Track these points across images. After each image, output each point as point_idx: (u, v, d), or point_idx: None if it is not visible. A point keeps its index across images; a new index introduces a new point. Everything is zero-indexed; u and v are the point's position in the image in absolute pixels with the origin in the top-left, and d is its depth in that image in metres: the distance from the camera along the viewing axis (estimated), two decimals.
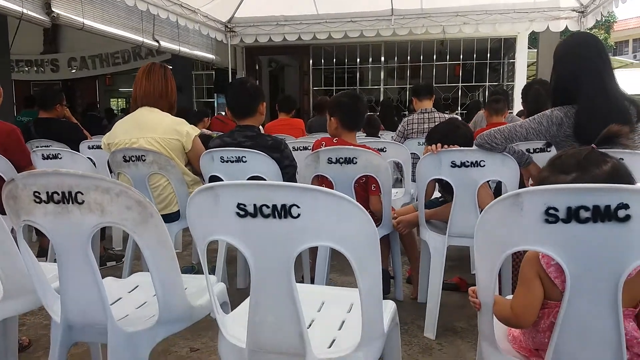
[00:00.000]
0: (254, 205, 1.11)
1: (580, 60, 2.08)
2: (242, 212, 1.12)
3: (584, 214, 1.01)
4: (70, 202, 1.28)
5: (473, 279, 2.85)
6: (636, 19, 31.40)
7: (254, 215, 1.12)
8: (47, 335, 2.32)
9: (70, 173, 1.28)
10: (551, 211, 1.03)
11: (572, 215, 1.02)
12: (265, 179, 2.43)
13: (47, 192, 1.28)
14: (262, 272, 1.16)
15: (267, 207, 1.10)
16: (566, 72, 2.12)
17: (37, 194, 1.29)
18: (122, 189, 1.26)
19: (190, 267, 3.34)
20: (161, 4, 5.87)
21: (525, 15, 6.83)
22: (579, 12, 6.57)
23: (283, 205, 1.09)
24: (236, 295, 1.53)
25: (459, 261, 3.29)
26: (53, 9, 5.24)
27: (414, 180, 3.33)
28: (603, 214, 1.00)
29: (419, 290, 2.68)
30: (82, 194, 1.26)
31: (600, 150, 1.16)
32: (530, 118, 2.16)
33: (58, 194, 1.28)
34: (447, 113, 5.56)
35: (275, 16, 7.50)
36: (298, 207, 1.09)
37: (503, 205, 1.09)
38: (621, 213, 0.99)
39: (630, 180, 1.10)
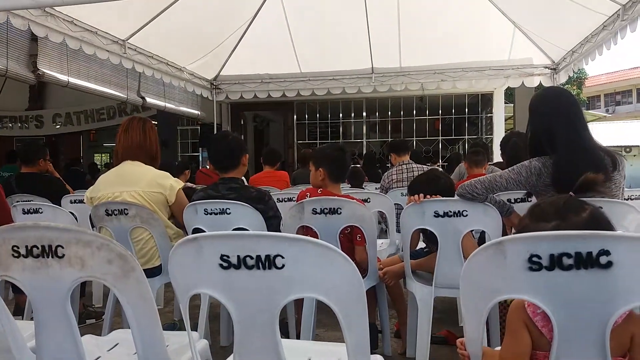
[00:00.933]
0: (238, 256, 1.10)
1: (554, 113, 2.15)
2: (225, 264, 1.11)
3: (566, 261, 1.02)
4: (50, 256, 1.25)
5: (461, 332, 2.80)
6: (606, 75, 32.97)
7: (237, 267, 1.10)
8: None
9: (50, 226, 1.26)
10: (534, 259, 1.04)
11: (555, 262, 1.03)
12: (249, 231, 2.41)
13: (27, 246, 1.25)
14: (246, 326, 1.14)
15: (251, 257, 1.09)
16: (541, 125, 2.19)
17: (15, 248, 1.26)
18: (103, 242, 1.24)
19: (172, 324, 3.24)
20: (147, 62, 5.99)
21: (501, 72, 7.11)
22: (551, 69, 6.87)
23: (267, 256, 1.08)
24: (219, 353, 1.48)
25: (447, 314, 3.25)
26: (38, 67, 5.31)
27: (398, 230, 3.35)
28: (585, 261, 1.01)
29: (407, 345, 2.62)
30: (63, 247, 1.24)
31: (578, 198, 1.19)
32: (509, 169, 2.21)
33: (37, 248, 1.25)
34: (428, 165, 5.67)
35: (260, 74, 7.70)
36: (282, 257, 1.08)
37: (486, 253, 1.09)
38: (603, 259, 1.00)
39: (609, 226, 1.13)
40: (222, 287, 1.13)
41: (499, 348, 1.23)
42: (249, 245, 1.09)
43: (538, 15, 5.87)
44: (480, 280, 1.13)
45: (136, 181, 2.62)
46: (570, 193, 1.15)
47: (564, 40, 6.00)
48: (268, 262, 1.09)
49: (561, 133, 2.10)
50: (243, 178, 2.85)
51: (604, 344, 1.02)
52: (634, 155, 13.08)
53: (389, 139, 10.20)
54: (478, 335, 1.17)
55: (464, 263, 1.15)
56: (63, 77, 5.85)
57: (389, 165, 9.74)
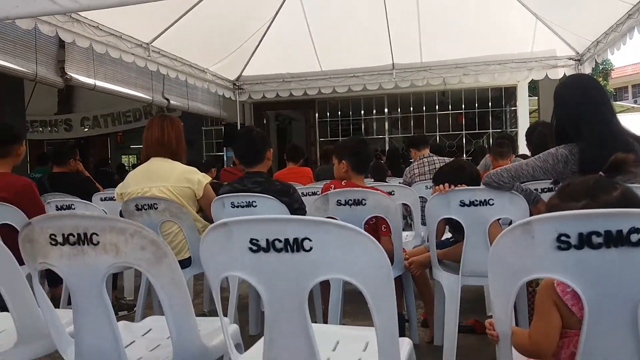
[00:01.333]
0: (267, 239, 1.12)
1: (579, 98, 2.13)
2: (254, 247, 1.14)
3: (596, 240, 1.02)
4: (86, 243, 1.30)
5: None
6: (633, 66, 32.05)
7: (266, 250, 1.13)
8: None
9: (85, 215, 1.32)
10: (563, 238, 1.04)
11: (584, 241, 1.02)
12: None
13: (63, 234, 1.30)
14: (276, 307, 1.16)
15: (280, 241, 1.12)
16: (567, 111, 2.16)
17: (53, 236, 1.31)
18: (136, 229, 1.28)
19: (202, 315, 3.30)
20: (171, 64, 6.09)
21: (524, 65, 7.00)
22: (575, 60, 6.73)
23: (295, 239, 1.11)
24: (248, 341, 1.50)
25: (475, 303, 3.23)
26: (66, 71, 5.46)
27: (423, 223, 3.34)
28: (615, 239, 1.01)
29: (435, 333, 2.62)
30: (97, 235, 1.29)
31: (608, 178, 1.18)
32: (536, 156, 2.19)
33: (74, 236, 1.30)
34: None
35: (281, 74, 7.75)
36: (310, 240, 1.10)
37: (514, 234, 1.09)
38: (634, 237, 1.00)
39: None
40: (252, 269, 1.16)
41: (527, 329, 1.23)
42: (278, 228, 1.12)
43: (560, 6, 5.77)
44: (508, 260, 1.14)
45: (165, 177, 2.68)
46: (600, 173, 1.14)
47: (587, 30, 5.88)
48: (296, 245, 1.11)
49: (587, 118, 2.07)
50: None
51: (635, 320, 1.01)
52: None
53: (412, 135, 10.15)
54: (507, 315, 1.17)
55: (492, 244, 1.16)
56: (90, 81, 6.01)
57: (412, 160, 9.75)
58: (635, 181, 1.95)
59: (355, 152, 2.61)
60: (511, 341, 1.16)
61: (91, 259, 1.30)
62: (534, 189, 2.58)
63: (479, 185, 2.27)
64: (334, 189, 2.55)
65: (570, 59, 6.78)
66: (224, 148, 10.96)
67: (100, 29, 4.79)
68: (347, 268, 1.13)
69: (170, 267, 1.32)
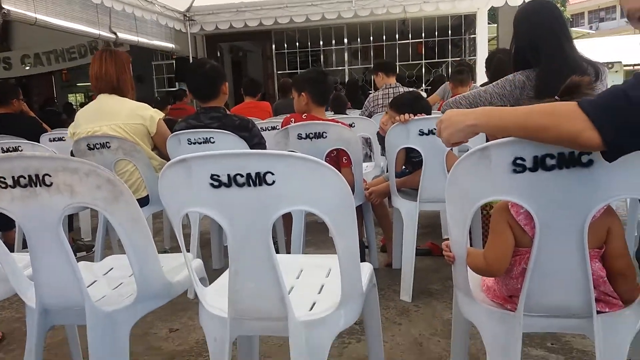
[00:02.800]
0: (228, 175, 1.10)
1: (537, 25, 2.12)
2: (216, 183, 1.12)
3: (549, 162, 1.05)
4: (38, 184, 1.25)
5: None
6: None
7: (228, 185, 1.11)
8: (20, 328, 2.28)
9: (36, 155, 1.26)
10: (518, 161, 1.07)
11: (539, 163, 1.06)
12: None
13: (13, 177, 1.24)
14: (240, 241, 1.16)
15: (241, 175, 1.10)
16: (525, 37, 2.16)
17: (2, 179, 1.25)
18: (90, 168, 1.24)
19: (164, 252, 3.31)
20: None
21: None
22: None
23: (257, 173, 1.09)
24: (212, 275, 1.51)
25: (430, 227, 3.36)
26: (3, 5, 5.02)
27: (382, 154, 3.37)
28: (568, 160, 1.04)
29: (394, 258, 2.73)
30: (50, 175, 1.24)
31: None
32: (493, 83, 2.21)
33: (24, 178, 1.24)
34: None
35: (234, 3, 7.39)
36: (272, 174, 1.09)
37: (472, 159, 1.12)
38: (584, 158, 1.04)
39: None
40: (214, 205, 1.15)
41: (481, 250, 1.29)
42: (239, 163, 1.10)
43: None
44: (466, 184, 1.17)
45: (115, 114, 2.57)
46: (556, 97, 1.15)
47: None
48: (258, 179, 1.10)
49: (544, 45, 2.08)
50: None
51: (582, 238, 1.07)
52: (616, 72, 13.10)
53: (372, 65, 10.04)
54: (463, 238, 1.21)
55: (451, 169, 1.18)
56: (30, 14, 5.56)
57: (372, 91, 9.69)
58: None
59: (316, 84, 2.56)
60: (467, 262, 1.21)
61: (45, 201, 1.25)
62: None
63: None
64: (295, 122, 2.52)
65: None
66: (176, 83, 10.55)
67: None
68: (310, 199, 1.13)
69: (128, 205, 1.29)
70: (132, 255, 1.32)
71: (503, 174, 1.08)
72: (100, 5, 5.69)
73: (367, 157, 4.19)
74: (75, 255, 1.34)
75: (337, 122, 2.50)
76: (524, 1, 6.89)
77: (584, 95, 1.09)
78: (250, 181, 1.10)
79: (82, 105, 12.59)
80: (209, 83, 2.56)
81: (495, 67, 3.19)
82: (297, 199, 1.14)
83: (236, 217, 1.15)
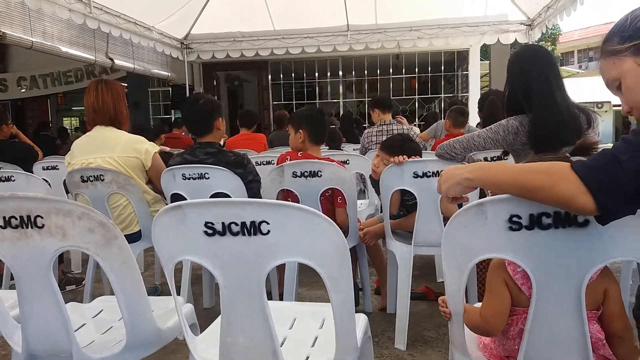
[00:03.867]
0: (222, 223, 1.09)
1: (531, 71, 2.16)
2: (210, 231, 1.11)
3: (545, 220, 1.05)
4: (30, 226, 1.23)
5: (439, 287, 2.90)
6: (579, 31, 33.13)
7: (222, 234, 1.10)
8: None
9: (28, 197, 1.24)
10: (514, 219, 1.07)
11: (535, 222, 1.06)
12: (229, 196, 2.41)
13: (4, 217, 1.23)
14: (233, 292, 1.15)
15: (236, 224, 1.09)
16: (519, 83, 2.20)
17: None
18: (84, 211, 1.22)
19: (154, 288, 3.26)
20: (114, 21, 5.74)
21: (477, 29, 7.07)
22: (526, 25, 6.86)
23: (252, 222, 1.08)
24: (203, 314, 1.49)
25: (424, 269, 3.34)
26: (0, 28, 5.06)
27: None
28: (564, 220, 1.05)
29: (388, 301, 2.70)
30: (42, 217, 1.22)
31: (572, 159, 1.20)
32: (487, 128, 2.23)
33: (16, 219, 1.23)
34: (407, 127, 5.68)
35: (232, 32, 7.48)
36: (267, 223, 1.08)
37: (468, 214, 1.12)
38: (580, 218, 1.04)
39: None
40: (207, 253, 1.13)
41: (478, 304, 1.27)
42: (234, 211, 1.09)
43: None
44: (461, 240, 1.16)
45: (111, 146, 2.56)
46: (567, 154, 1.17)
47: None
48: (253, 228, 1.09)
49: (537, 91, 2.12)
50: (221, 142, 2.80)
51: (580, 299, 1.06)
52: (605, 111, 13.34)
53: (366, 99, 10.17)
54: (459, 293, 1.20)
55: (443, 222, 1.18)
56: (27, 38, 5.60)
57: (366, 125, 9.78)
58: None
59: (313, 123, 2.57)
60: (463, 319, 1.19)
61: (36, 243, 1.23)
62: (484, 158, 2.65)
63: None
64: (290, 160, 2.52)
65: (522, 23, 6.90)
66: (172, 110, 10.60)
67: None
68: (306, 251, 1.12)
69: (121, 249, 1.27)
70: (122, 300, 1.29)
71: (499, 230, 1.08)
72: (97, 30, 5.73)
73: (362, 193, 4.20)
74: (65, 288, 1.31)
75: (333, 161, 2.50)
76: (515, 40, 7.07)
77: (595, 151, 1.11)
78: (245, 230, 1.09)
79: (76, 129, 12.62)
80: (203, 118, 2.56)
81: (488, 109, 3.23)
82: (292, 249, 1.12)
83: (229, 267, 1.13)
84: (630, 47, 1.00)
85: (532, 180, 1.00)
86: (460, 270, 1.18)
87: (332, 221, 1.10)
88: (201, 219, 1.10)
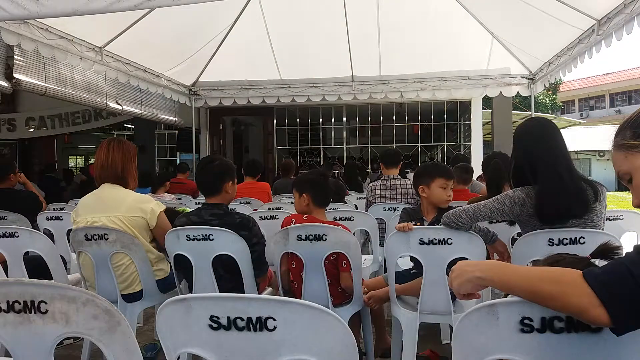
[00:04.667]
0: (228, 317, 1.08)
1: (537, 144, 2.18)
2: (215, 325, 1.09)
3: (558, 324, 1.04)
4: (33, 311, 1.21)
5: (444, 350, 2.84)
6: (580, 81, 33.77)
7: (227, 328, 1.09)
8: None
9: (33, 282, 1.23)
10: (526, 321, 1.06)
11: (547, 325, 1.04)
12: (233, 258, 2.40)
13: (8, 302, 1.21)
14: None
15: (242, 319, 1.08)
16: (525, 155, 2.22)
17: None
18: (89, 298, 1.21)
19: (153, 345, 3.19)
20: (124, 68, 5.88)
21: (479, 82, 7.21)
22: (528, 78, 6.99)
23: (258, 318, 1.07)
24: None
25: (429, 331, 3.27)
26: (15, 75, 5.16)
27: (381, 244, 3.36)
28: (577, 325, 1.03)
29: None
30: (46, 303, 1.21)
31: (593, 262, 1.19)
32: (493, 198, 2.23)
33: (19, 303, 1.21)
34: (407, 172, 5.70)
35: (239, 80, 7.65)
36: (274, 319, 1.07)
37: (479, 314, 1.10)
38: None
39: None
40: (212, 347, 1.11)
41: None
42: (240, 306, 1.08)
43: (516, 27, 5.97)
44: (472, 339, 1.14)
45: (116, 206, 2.57)
46: (588, 256, 1.17)
47: (540, 51, 6.12)
48: (259, 324, 1.07)
49: (544, 164, 2.13)
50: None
51: None
52: (607, 160, 13.40)
53: (369, 145, 10.26)
54: None
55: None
56: (41, 84, 5.71)
57: (369, 171, 9.83)
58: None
59: (317, 186, 2.58)
60: None
61: (38, 329, 1.21)
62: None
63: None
64: (295, 223, 2.52)
65: (524, 77, 7.03)
66: (177, 153, 10.69)
67: (50, 32, 4.57)
68: (312, 348, 1.10)
69: (125, 336, 1.25)
70: None
71: (510, 332, 1.07)
72: (107, 76, 5.85)
73: (365, 246, 4.18)
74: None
75: (338, 224, 2.50)
76: (517, 92, 7.18)
77: (615, 256, 1.11)
78: (251, 325, 1.08)
79: (82, 169, 12.70)
80: (214, 180, 2.57)
81: (492, 172, 3.25)
82: (298, 347, 1.10)
83: None
84: None
85: (544, 289, 1.00)
86: None
87: (341, 319, 1.08)
88: (207, 312, 1.09)
